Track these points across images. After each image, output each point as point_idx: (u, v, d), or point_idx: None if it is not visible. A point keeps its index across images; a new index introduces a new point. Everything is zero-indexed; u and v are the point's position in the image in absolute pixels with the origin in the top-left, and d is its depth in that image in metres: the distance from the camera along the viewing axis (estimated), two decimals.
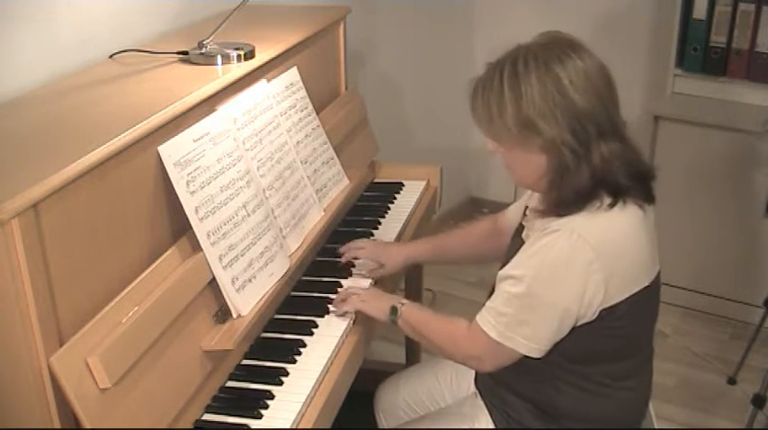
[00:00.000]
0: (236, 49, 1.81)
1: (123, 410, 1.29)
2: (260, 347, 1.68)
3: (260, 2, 2.06)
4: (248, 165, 1.70)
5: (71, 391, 1.21)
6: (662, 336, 2.80)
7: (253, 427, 1.46)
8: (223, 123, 1.65)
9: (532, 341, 1.46)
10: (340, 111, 2.27)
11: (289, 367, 1.60)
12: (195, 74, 1.72)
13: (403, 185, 2.38)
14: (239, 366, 1.62)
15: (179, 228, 1.54)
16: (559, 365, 1.51)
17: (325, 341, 1.68)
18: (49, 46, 1.73)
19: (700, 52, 2.89)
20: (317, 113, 2.08)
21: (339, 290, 1.84)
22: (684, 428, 2.50)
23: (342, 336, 1.69)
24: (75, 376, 1.23)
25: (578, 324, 1.45)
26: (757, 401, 2.34)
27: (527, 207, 1.65)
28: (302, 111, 2.01)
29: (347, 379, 1.67)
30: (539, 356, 1.47)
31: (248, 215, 1.65)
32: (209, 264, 1.53)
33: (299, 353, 1.64)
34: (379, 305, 1.70)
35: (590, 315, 1.44)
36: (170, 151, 1.49)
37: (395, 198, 2.31)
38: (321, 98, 2.19)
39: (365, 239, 1.99)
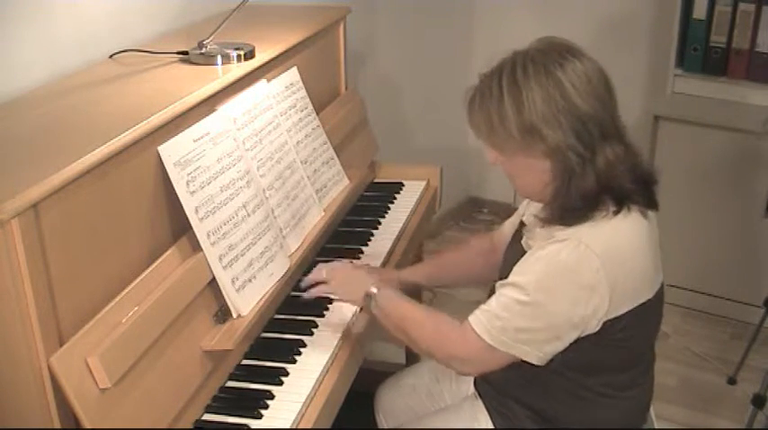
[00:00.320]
0: (236, 49, 1.81)
1: (123, 410, 1.29)
2: (260, 347, 1.68)
3: (260, 2, 2.06)
4: (248, 165, 1.70)
5: (71, 391, 1.21)
6: (662, 336, 2.80)
7: (253, 427, 1.46)
8: (223, 123, 1.65)
9: (530, 346, 1.43)
10: (340, 111, 2.27)
11: (289, 367, 1.60)
12: (195, 74, 1.72)
13: (403, 185, 2.38)
14: (239, 366, 1.62)
15: (179, 228, 1.54)
16: (561, 375, 1.49)
17: (326, 341, 1.68)
18: (48, 46, 1.73)
19: (700, 52, 2.89)
20: (317, 113, 2.08)
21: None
22: (684, 428, 2.50)
23: (342, 337, 1.69)
24: (76, 376, 1.23)
25: (582, 335, 1.43)
26: (757, 401, 2.34)
27: (523, 214, 1.64)
28: (302, 111, 2.01)
29: (347, 379, 1.67)
30: (539, 363, 1.45)
31: (248, 215, 1.65)
32: (209, 264, 1.53)
33: (299, 353, 1.64)
34: (351, 290, 1.64)
35: (593, 326, 1.42)
36: (170, 151, 1.49)
37: (395, 198, 2.31)
38: (321, 98, 2.19)
39: (357, 262, 1.93)
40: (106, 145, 1.32)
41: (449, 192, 2.69)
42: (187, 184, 1.51)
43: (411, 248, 2.20)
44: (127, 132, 1.37)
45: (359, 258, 2.00)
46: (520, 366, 1.46)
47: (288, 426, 1.45)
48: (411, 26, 3.23)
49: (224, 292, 1.56)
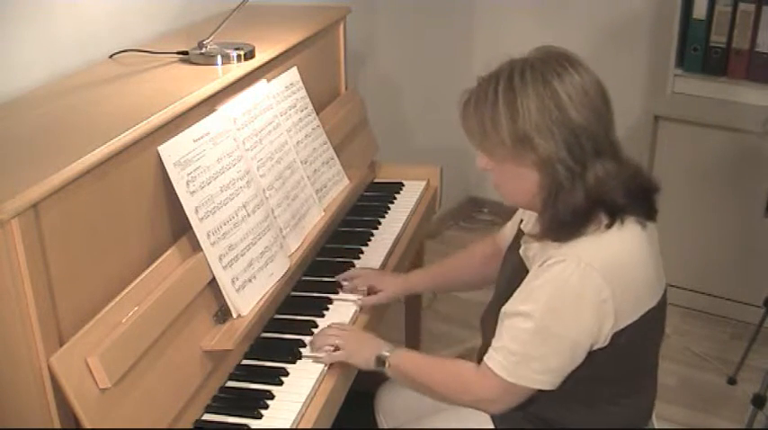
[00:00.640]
0: (236, 49, 1.81)
1: (123, 410, 1.29)
2: (260, 347, 1.68)
3: (260, 2, 2.06)
4: (248, 165, 1.70)
5: (71, 391, 1.21)
6: None
7: (253, 427, 1.46)
8: (223, 123, 1.65)
9: (546, 375, 1.42)
10: (340, 111, 2.27)
11: (289, 367, 1.60)
12: (195, 74, 1.72)
13: (403, 185, 2.38)
14: (239, 366, 1.62)
15: (179, 228, 1.54)
16: (566, 383, 1.47)
17: None
18: (48, 46, 1.73)
19: (700, 52, 2.89)
20: (317, 113, 2.08)
21: (314, 331, 1.71)
22: (684, 428, 2.50)
23: None
24: (76, 376, 1.23)
25: (591, 350, 1.42)
26: (757, 401, 2.34)
27: (522, 220, 1.64)
28: (302, 111, 2.01)
29: (347, 379, 1.67)
30: (552, 388, 1.44)
31: (248, 215, 1.65)
32: (209, 264, 1.53)
33: (299, 353, 1.64)
34: (360, 355, 1.60)
35: (602, 341, 1.41)
36: (170, 151, 1.49)
37: (395, 198, 2.31)
38: (321, 98, 2.19)
39: (363, 267, 1.95)
40: (106, 145, 1.32)
41: (449, 192, 2.69)
42: (187, 184, 1.51)
43: (411, 248, 2.20)
44: (127, 132, 1.37)
45: (359, 258, 2.00)
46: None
47: (288, 426, 1.46)
48: (411, 26, 3.23)
49: (224, 292, 1.56)
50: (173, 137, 1.50)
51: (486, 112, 1.40)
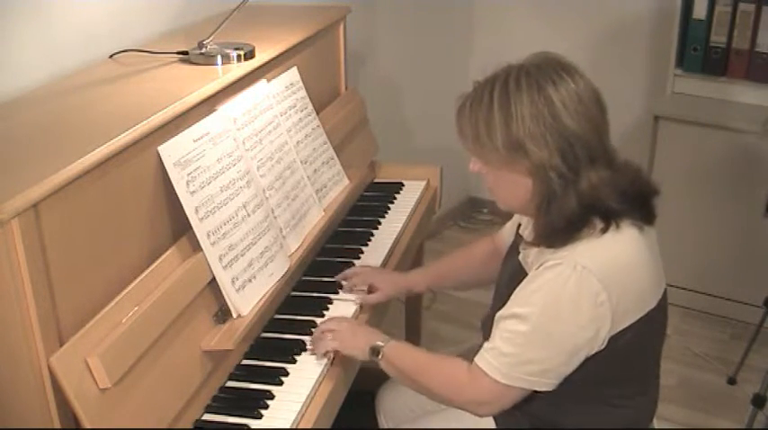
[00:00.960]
0: (236, 49, 1.81)
1: (123, 410, 1.29)
2: (260, 347, 1.68)
3: (260, 2, 2.06)
4: (248, 166, 1.70)
5: (71, 391, 1.21)
6: None
7: (253, 427, 1.46)
8: (223, 123, 1.65)
9: (542, 377, 1.42)
10: (340, 111, 2.27)
11: (289, 367, 1.60)
12: (195, 74, 1.72)
13: (403, 185, 2.38)
14: (239, 366, 1.62)
15: (179, 228, 1.54)
16: (568, 386, 1.46)
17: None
18: (49, 46, 1.73)
19: (700, 52, 2.89)
20: (317, 113, 2.08)
21: (316, 325, 1.71)
22: (684, 428, 2.50)
23: None
24: (76, 376, 1.23)
25: (589, 354, 1.42)
26: (757, 401, 2.34)
27: (520, 225, 1.64)
28: (302, 111, 2.01)
29: (347, 378, 1.67)
30: (550, 389, 1.44)
31: (248, 215, 1.65)
32: (209, 264, 1.53)
33: (299, 354, 1.64)
34: (355, 344, 1.60)
35: (599, 345, 1.41)
36: (170, 151, 1.49)
37: (395, 198, 2.31)
38: (321, 98, 2.19)
39: (361, 265, 1.95)
40: (106, 145, 1.32)
41: (449, 192, 2.69)
42: (187, 184, 1.51)
43: (411, 248, 2.20)
44: (127, 132, 1.37)
45: (359, 258, 2.00)
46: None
47: (288, 426, 1.46)
48: (411, 26, 3.23)
49: (224, 292, 1.56)
50: (173, 137, 1.50)
51: (480, 117, 1.40)
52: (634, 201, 1.43)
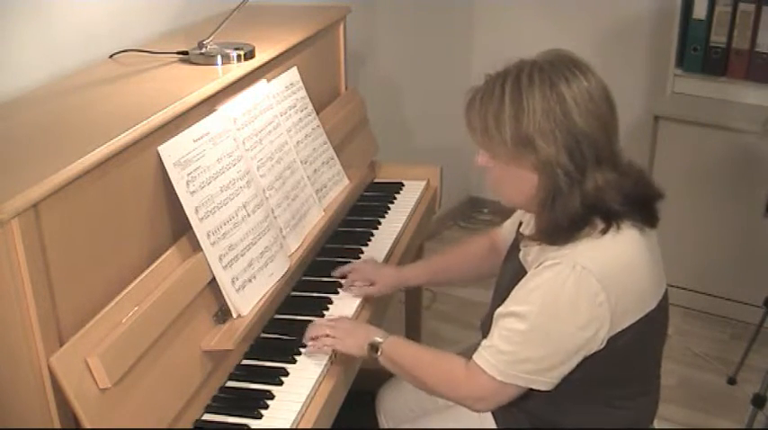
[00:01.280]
0: (236, 49, 1.81)
1: (123, 410, 1.29)
2: (260, 347, 1.68)
3: (260, 2, 2.06)
4: (248, 166, 1.70)
5: (71, 391, 1.21)
6: None
7: (253, 427, 1.46)
8: (223, 123, 1.65)
9: (539, 375, 1.42)
10: (340, 111, 2.27)
11: (289, 367, 1.60)
12: (195, 74, 1.72)
13: (403, 185, 2.38)
14: (239, 366, 1.62)
15: (179, 228, 1.54)
16: (567, 387, 1.46)
17: None
18: (49, 46, 1.73)
19: (700, 52, 2.89)
20: (317, 113, 2.08)
21: (312, 323, 1.69)
22: (684, 428, 2.50)
23: None
24: (76, 376, 1.23)
25: (588, 355, 1.42)
26: (757, 401, 2.34)
27: (521, 223, 1.64)
28: (302, 111, 2.01)
29: (347, 378, 1.67)
30: (548, 389, 1.44)
31: (248, 215, 1.65)
32: (209, 264, 1.53)
33: (299, 354, 1.64)
34: (353, 342, 1.60)
35: (597, 345, 1.41)
36: (170, 151, 1.49)
37: (395, 198, 2.31)
38: (321, 98, 2.19)
39: (359, 261, 1.95)
40: (106, 145, 1.32)
41: (449, 192, 2.69)
42: (187, 184, 1.51)
43: (411, 248, 2.20)
44: (127, 132, 1.37)
45: (359, 258, 2.00)
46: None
47: (288, 426, 1.46)
48: (411, 26, 3.23)
49: (224, 292, 1.56)
50: (173, 137, 1.50)
51: (490, 109, 1.40)
52: (636, 204, 1.43)
